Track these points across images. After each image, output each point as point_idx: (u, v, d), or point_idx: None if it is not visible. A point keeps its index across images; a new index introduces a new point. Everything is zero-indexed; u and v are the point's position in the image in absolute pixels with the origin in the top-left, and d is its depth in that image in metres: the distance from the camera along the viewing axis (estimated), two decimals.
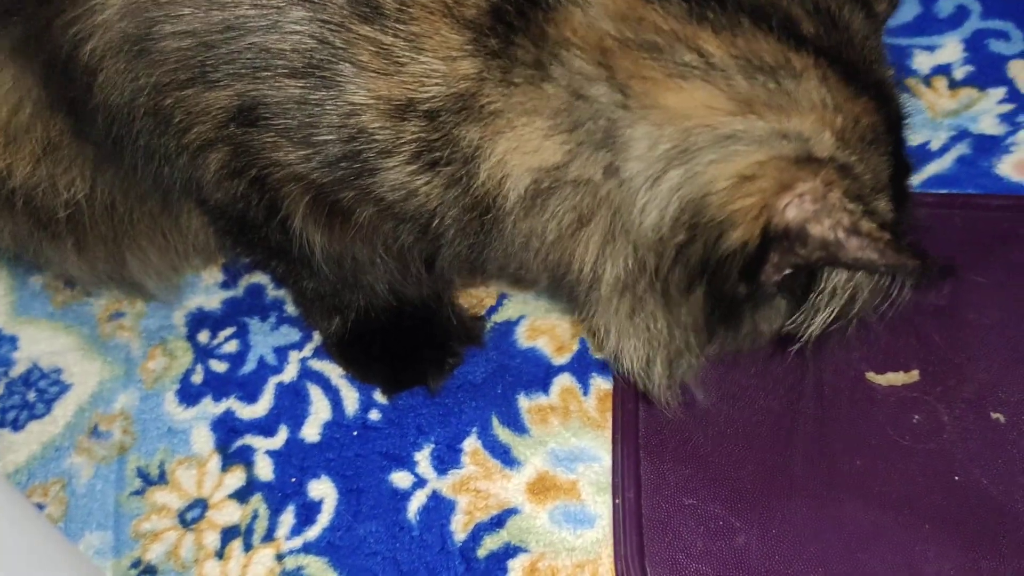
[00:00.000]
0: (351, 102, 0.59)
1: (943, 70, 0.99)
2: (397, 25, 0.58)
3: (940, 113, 0.96)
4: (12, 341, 0.92)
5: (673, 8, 0.56)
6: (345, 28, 0.58)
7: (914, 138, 0.92)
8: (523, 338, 0.86)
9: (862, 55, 0.59)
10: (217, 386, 0.87)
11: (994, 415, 0.74)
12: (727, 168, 0.55)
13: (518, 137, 0.58)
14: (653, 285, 0.60)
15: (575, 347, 0.84)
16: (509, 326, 0.87)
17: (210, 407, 0.85)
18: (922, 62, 1.00)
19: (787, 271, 0.56)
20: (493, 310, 0.88)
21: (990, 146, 0.93)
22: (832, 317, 0.59)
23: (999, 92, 0.96)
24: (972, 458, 0.72)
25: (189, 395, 0.86)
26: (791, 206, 0.53)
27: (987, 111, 0.95)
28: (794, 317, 0.60)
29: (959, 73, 0.99)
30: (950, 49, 1.01)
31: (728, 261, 0.56)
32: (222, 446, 0.83)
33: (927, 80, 0.98)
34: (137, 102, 0.65)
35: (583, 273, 0.62)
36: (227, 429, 0.84)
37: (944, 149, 0.93)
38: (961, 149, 0.93)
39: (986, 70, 0.98)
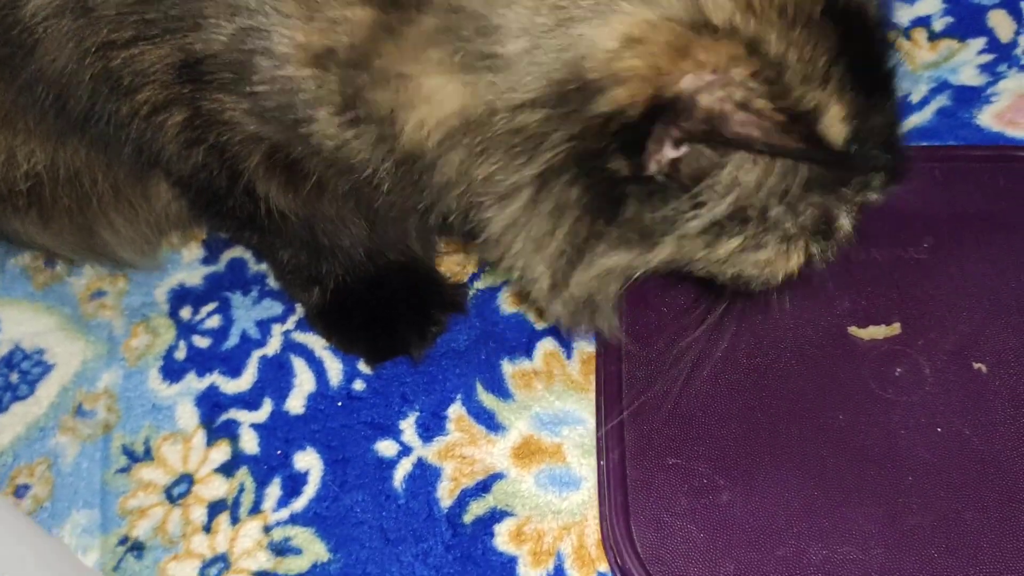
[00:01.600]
0: (278, 51, 0.58)
1: (923, 22, 0.99)
2: None
3: (920, 66, 0.95)
4: None
5: None
6: None
7: None
8: (506, 304, 0.85)
9: None
10: (200, 361, 0.86)
11: (976, 365, 0.74)
12: (611, 27, 0.50)
13: (420, 84, 0.55)
14: (530, 177, 0.55)
15: None
16: (492, 292, 0.86)
17: (194, 383, 0.85)
18: (902, 15, 0.99)
19: (672, 151, 0.51)
20: (475, 277, 0.88)
21: (970, 97, 0.92)
22: (724, 212, 0.54)
23: (979, 42, 0.96)
24: (954, 409, 0.72)
25: (172, 371, 0.86)
26: (690, 76, 0.49)
27: (967, 62, 0.95)
28: (683, 204, 0.54)
29: (938, 25, 0.98)
30: (929, 1, 1.00)
31: (606, 127, 0.51)
32: (207, 421, 0.83)
33: (907, 32, 0.98)
34: (83, 64, 0.64)
35: (481, 187, 0.57)
36: (211, 404, 0.84)
37: (924, 102, 0.93)
38: (941, 101, 0.93)
39: (965, 21, 0.97)
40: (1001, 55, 0.94)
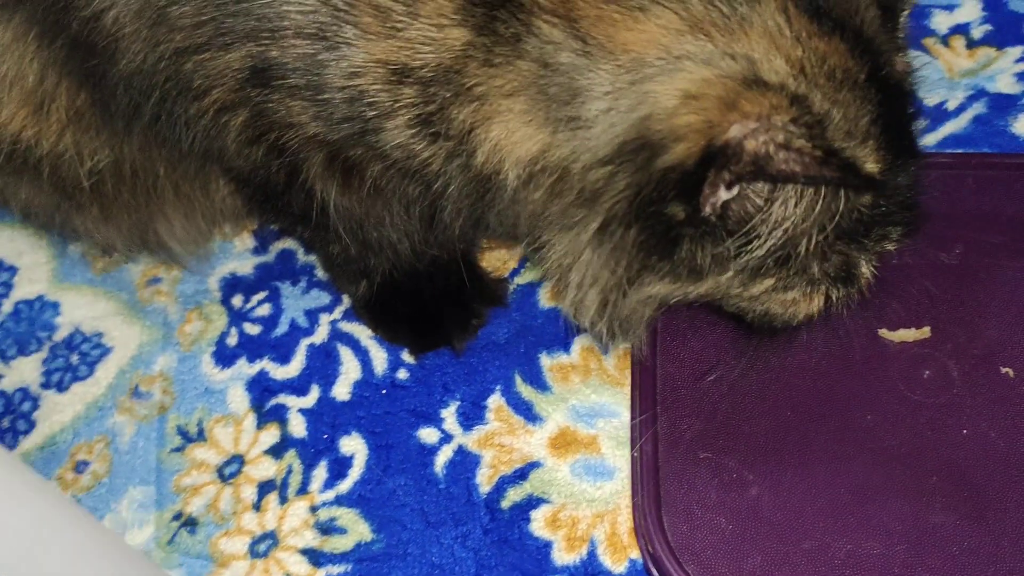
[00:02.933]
0: (352, 63, 0.62)
1: (961, 29, 1.00)
2: None
3: (957, 73, 0.97)
4: (55, 307, 0.96)
5: None
6: None
7: (931, 98, 0.94)
8: (545, 299, 0.88)
9: (842, 5, 0.59)
10: (251, 348, 0.90)
11: (1003, 369, 0.76)
12: (673, 86, 0.55)
13: (505, 124, 0.60)
14: (593, 221, 0.60)
15: None
16: (531, 288, 0.89)
17: (245, 368, 0.89)
18: (940, 21, 1.01)
19: (724, 193, 0.56)
20: (515, 272, 0.90)
21: (1006, 105, 0.94)
22: (770, 250, 0.59)
23: (1016, 51, 0.97)
24: (981, 412, 0.74)
25: (225, 356, 0.90)
26: (736, 124, 0.54)
27: (1004, 70, 0.96)
28: (733, 243, 0.59)
29: (977, 32, 0.99)
30: (968, 8, 1.01)
31: (666, 180, 0.56)
32: (257, 405, 0.87)
33: (945, 40, 0.99)
34: (158, 68, 0.67)
35: (547, 216, 0.63)
36: (261, 389, 0.88)
37: (960, 109, 0.94)
38: (978, 108, 0.94)
39: (1004, 29, 0.99)
40: None
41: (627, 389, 0.81)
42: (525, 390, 0.84)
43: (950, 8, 1.02)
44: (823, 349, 0.78)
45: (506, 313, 0.88)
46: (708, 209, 0.57)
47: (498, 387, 0.84)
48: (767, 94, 0.54)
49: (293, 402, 0.86)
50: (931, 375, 0.76)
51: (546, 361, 0.85)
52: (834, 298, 0.65)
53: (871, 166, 0.57)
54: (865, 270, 0.64)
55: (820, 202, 0.57)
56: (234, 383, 0.88)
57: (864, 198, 0.59)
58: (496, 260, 0.91)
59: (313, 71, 0.63)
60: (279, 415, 0.86)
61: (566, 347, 0.85)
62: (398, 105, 0.62)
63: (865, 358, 0.78)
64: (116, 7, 0.65)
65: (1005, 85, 0.95)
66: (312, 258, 0.94)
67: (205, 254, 0.95)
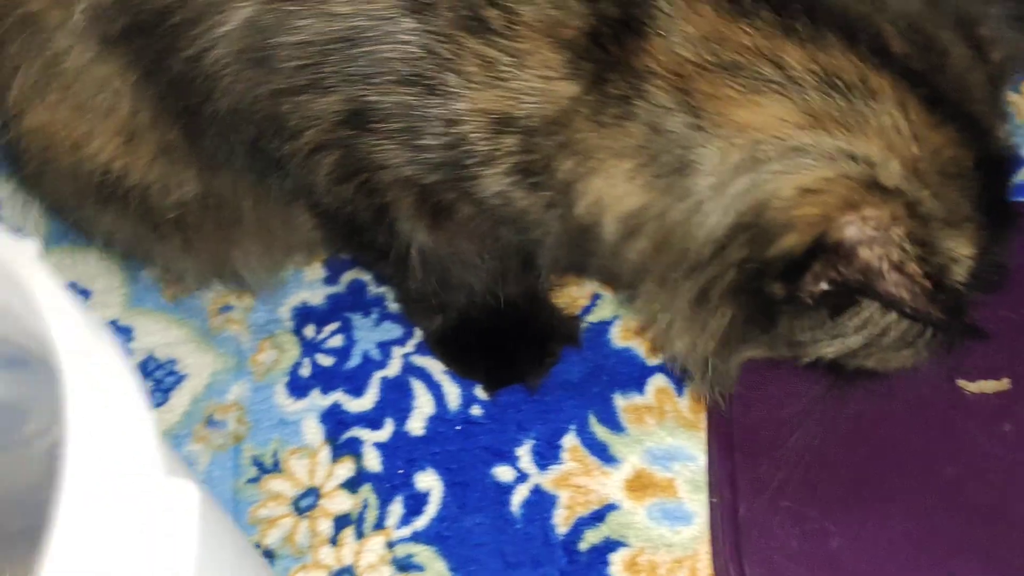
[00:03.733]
0: (453, 111, 0.63)
1: None
2: (502, 40, 0.61)
3: None
4: (127, 332, 0.97)
5: (761, 24, 0.58)
6: (452, 40, 0.61)
7: None
8: (617, 338, 0.89)
9: (955, 85, 0.60)
10: (324, 379, 0.91)
11: None
12: (794, 179, 0.57)
13: (609, 178, 0.62)
14: (693, 288, 0.62)
15: None
16: (603, 326, 0.90)
17: (318, 399, 0.90)
18: None
19: (824, 286, 0.58)
20: (587, 310, 0.91)
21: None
22: (856, 346, 0.63)
23: None
24: None
25: (298, 387, 0.91)
26: (852, 225, 0.55)
27: None
28: (821, 333, 0.63)
29: None
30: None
31: (773, 262, 0.58)
32: (331, 437, 0.88)
33: (1015, 87, 0.99)
34: (255, 108, 0.69)
35: (644, 270, 0.65)
36: (335, 421, 0.88)
37: None
38: None
39: None
40: None
41: (703, 432, 0.82)
42: (600, 430, 0.84)
43: None
44: (901, 398, 0.78)
45: (579, 352, 0.88)
46: (806, 294, 0.59)
47: (572, 427, 0.85)
48: (888, 201, 0.55)
49: (367, 435, 0.87)
50: (1011, 429, 0.76)
51: (620, 401, 0.85)
52: (929, 353, 0.66)
53: (965, 249, 0.58)
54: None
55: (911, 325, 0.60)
56: (308, 414, 0.89)
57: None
58: (567, 298, 0.92)
59: (412, 117, 0.64)
60: (354, 448, 0.87)
61: (640, 387, 0.86)
62: (498, 153, 0.64)
63: (944, 409, 0.78)
64: (218, 47, 0.67)
65: None
66: (383, 290, 0.95)
67: (277, 283, 0.96)
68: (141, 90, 0.73)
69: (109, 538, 0.26)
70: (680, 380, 0.86)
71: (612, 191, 0.62)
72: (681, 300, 0.63)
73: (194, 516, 0.29)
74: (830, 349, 0.64)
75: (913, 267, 0.55)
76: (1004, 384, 0.78)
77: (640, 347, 0.88)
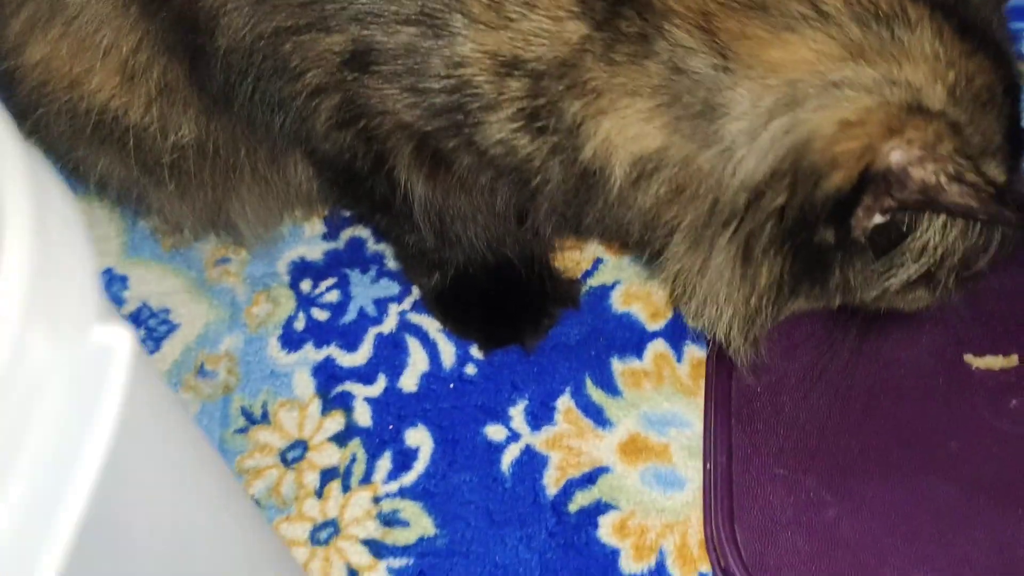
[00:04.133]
0: (458, 53, 0.61)
1: None
2: None
3: None
4: (123, 281, 0.96)
5: None
6: None
7: None
8: (618, 303, 0.87)
9: (979, 14, 0.59)
10: (318, 333, 0.90)
11: None
12: (833, 114, 0.54)
13: (620, 119, 0.59)
14: (732, 243, 0.59)
15: (669, 314, 0.86)
16: (604, 290, 0.88)
17: (311, 353, 0.88)
18: None
19: (878, 218, 0.56)
20: (588, 274, 0.89)
21: None
22: (920, 272, 0.60)
23: None
24: None
25: (291, 340, 0.90)
26: (897, 150, 0.53)
27: None
28: (880, 267, 0.60)
29: None
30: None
31: (820, 206, 0.56)
32: (322, 391, 0.86)
33: None
34: (256, 47, 0.67)
35: (667, 224, 0.62)
36: (327, 375, 0.87)
37: None
38: None
39: None
40: None
41: (701, 399, 0.80)
42: (595, 393, 0.82)
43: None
44: (907, 370, 0.76)
45: (578, 315, 0.87)
46: (858, 232, 0.57)
47: (568, 388, 0.83)
48: (932, 122, 0.53)
49: (359, 390, 0.86)
50: (1017, 404, 0.74)
51: (618, 366, 0.84)
52: (950, 294, 0.65)
53: (1000, 177, 0.56)
54: (981, 264, 0.63)
55: (974, 231, 0.57)
56: (300, 368, 0.88)
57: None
58: (569, 260, 0.90)
59: (416, 58, 0.62)
60: (344, 403, 0.85)
61: (639, 352, 0.84)
62: (503, 98, 0.61)
63: (949, 382, 0.76)
64: None
65: None
66: (382, 247, 0.94)
67: (273, 238, 0.94)
68: (142, 27, 0.72)
69: (23, 373, 0.24)
70: (679, 346, 0.84)
71: (625, 131, 0.59)
72: (721, 259, 0.60)
73: (123, 368, 0.28)
74: (892, 282, 0.61)
75: (972, 175, 0.53)
76: (1012, 360, 0.76)
77: (641, 312, 0.86)
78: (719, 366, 0.79)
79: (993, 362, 0.76)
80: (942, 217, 0.57)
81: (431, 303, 0.89)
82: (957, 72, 0.55)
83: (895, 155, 0.53)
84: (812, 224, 0.57)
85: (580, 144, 0.61)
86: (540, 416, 0.82)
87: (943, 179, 0.53)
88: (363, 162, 0.72)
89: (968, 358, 0.77)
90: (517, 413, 0.82)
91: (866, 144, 0.54)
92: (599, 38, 0.58)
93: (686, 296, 0.64)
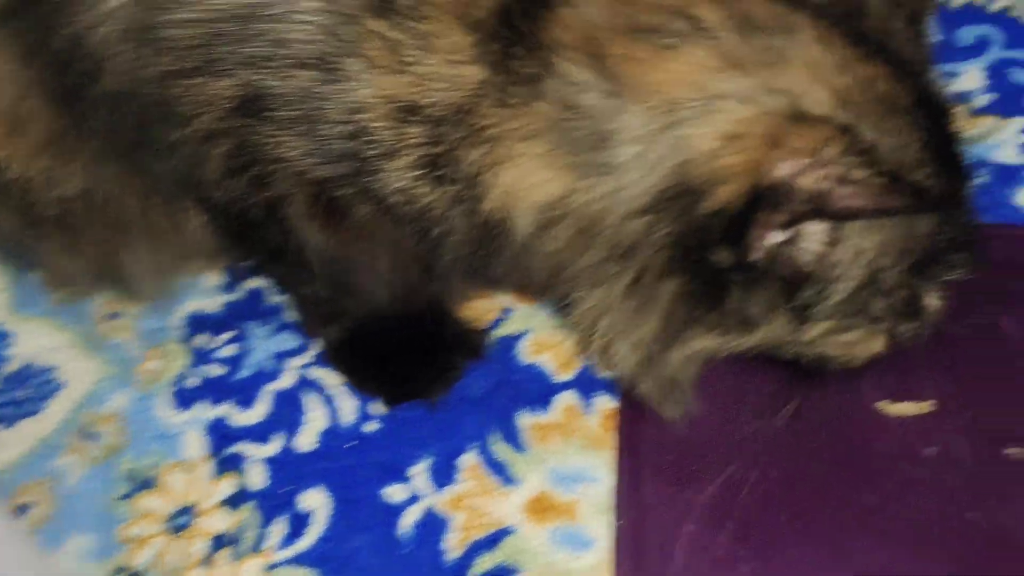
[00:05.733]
0: (356, 98, 0.58)
1: (963, 98, 0.98)
2: (408, 22, 0.56)
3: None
4: (6, 337, 0.91)
5: None
6: (356, 21, 0.57)
7: None
8: (527, 353, 0.84)
9: (879, 27, 0.56)
10: (213, 390, 0.85)
11: (1009, 450, 0.71)
12: (714, 128, 0.52)
13: (519, 167, 0.57)
14: (626, 273, 0.57)
15: (580, 364, 0.82)
16: (513, 340, 0.85)
17: (205, 412, 0.84)
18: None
19: (777, 236, 0.53)
20: (496, 324, 0.86)
21: (1009, 176, 0.91)
22: (853, 288, 0.56)
23: (1019, 121, 0.94)
24: (988, 494, 0.70)
25: (184, 398, 0.85)
26: (783, 162, 0.50)
27: (1007, 140, 0.94)
28: (805, 292, 0.56)
29: (980, 101, 0.97)
30: (971, 77, 0.99)
31: (710, 225, 0.53)
32: (215, 451, 0.81)
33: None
34: (143, 91, 0.63)
35: (569, 272, 0.60)
36: (220, 435, 0.82)
37: None
38: (980, 178, 0.91)
39: (1007, 99, 0.96)
40: None
41: (611, 452, 0.77)
42: (501, 449, 0.79)
43: (952, 76, 0.99)
44: (820, 420, 0.74)
45: (484, 366, 0.83)
46: (758, 253, 0.54)
47: (473, 444, 0.79)
48: (815, 127, 0.50)
49: (254, 450, 0.81)
50: (934, 453, 0.72)
51: (525, 419, 0.80)
52: (899, 335, 0.61)
53: (935, 188, 0.53)
54: (932, 302, 0.61)
55: (886, 238, 0.54)
56: (192, 427, 0.83)
57: (929, 225, 0.56)
58: (476, 310, 0.87)
59: (311, 104, 0.59)
60: (237, 463, 0.80)
61: (546, 404, 0.81)
62: (402, 145, 0.59)
63: (865, 431, 0.74)
64: (103, 25, 0.61)
65: (1008, 155, 0.93)
66: (284, 299, 0.90)
67: (170, 291, 0.90)
68: (25, 74, 0.68)
69: None
70: (589, 398, 0.80)
71: (524, 180, 0.57)
72: (620, 292, 0.57)
73: None
74: (787, 320, 0.58)
75: (859, 172, 0.49)
76: (926, 406, 0.74)
77: (550, 362, 0.83)
78: (631, 416, 0.76)
79: (907, 408, 0.74)
80: (848, 229, 0.54)
81: (332, 356, 0.85)
82: (850, 76, 0.53)
83: (781, 167, 0.50)
84: (706, 244, 0.54)
85: (481, 194, 0.58)
86: (443, 474, 0.78)
87: (829, 184, 0.50)
88: (256, 210, 0.68)
89: (881, 405, 0.75)
90: (419, 471, 0.78)
91: (750, 158, 0.51)
92: (495, 82, 0.56)
93: (592, 338, 0.61)
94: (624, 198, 0.55)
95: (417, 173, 0.59)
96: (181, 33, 0.60)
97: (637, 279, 0.57)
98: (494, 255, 0.62)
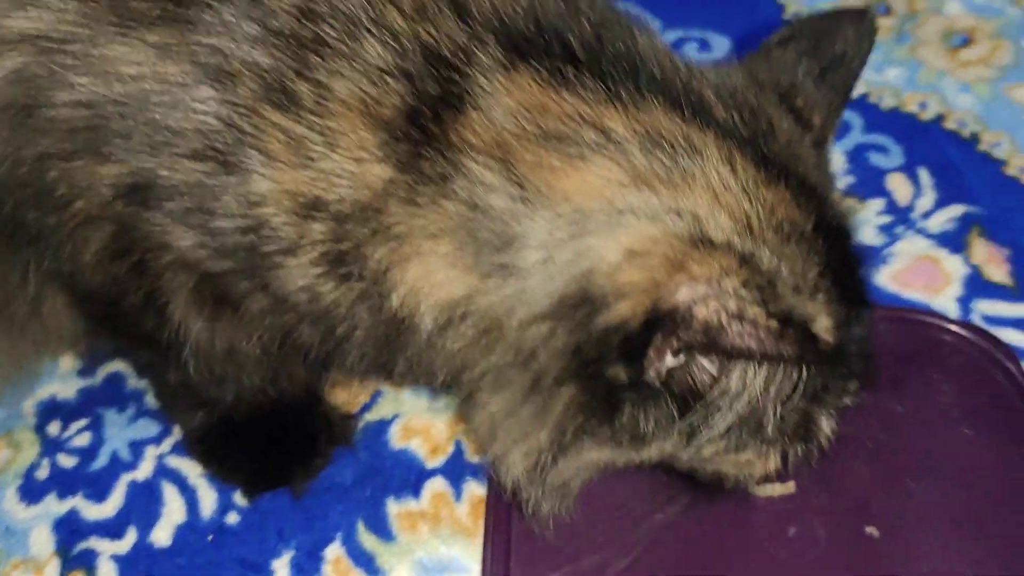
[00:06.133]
0: (255, 191, 0.56)
1: None
2: (312, 117, 0.55)
3: None
4: None
5: (585, 92, 0.55)
6: (256, 113, 0.55)
7: None
8: (396, 438, 0.82)
9: (786, 151, 0.57)
10: (63, 482, 0.81)
11: (868, 529, 0.72)
12: (618, 241, 0.52)
13: (425, 265, 0.56)
14: (525, 378, 0.56)
15: (450, 449, 0.81)
16: (382, 425, 0.83)
17: (54, 506, 0.79)
18: None
19: (671, 360, 0.53)
20: (366, 408, 0.84)
21: (869, 257, 0.94)
22: (742, 414, 0.56)
23: (878, 203, 0.98)
24: (847, 573, 0.70)
25: (32, 492, 0.80)
26: (684, 287, 0.50)
27: (867, 222, 0.97)
28: (678, 411, 0.55)
29: (840, 183, 1.00)
30: (833, 160, 1.02)
31: (608, 338, 0.53)
32: (63, 549, 0.77)
33: None
34: (16, 172, 0.60)
35: (472, 373, 0.59)
36: (70, 530, 0.78)
37: None
38: None
39: (866, 182, 1.00)
40: (898, 217, 0.97)
41: (479, 540, 0.75)
42: (368, 540, 0.76)
43: None
44: (687, 503, 0.74)
45: (353, 453, 0.81)
46: (652, 374, 0.53)
47: (338, 535, 0.76)
48: (715, 254, 0.51)
49: (105, 546, 0.77)
50: (796, 532, 0.72)
51: (393, 507, 0.78)
52: (791, 456, 0.61)
53: (824, 321, 0.53)
54: (824, 426, 0.61)
55: (777, 374, 0.54)
56: (39, 523, 0.78)
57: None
58: (346, 394, 0.85)
59: (204, 195, 0.57)
60: (87, 561, 0.76)
61: (416, 492, 0.79)
62: (305, 241, 0.57)
63: (728, 511, 0.73)
64: None
65: (868, 237, 0.96)
66: (144, 384, 0.86)
67: (26, 379, 0.85)
68: None
69: None
70: (459, 484, 0.79)
71: (429, 278, 0.56)
72: (518, 397, 0.56)
73: None
74: (679, 438, 0.57)
75: (754, 310, 0.49)
76: (790, 487, 0.75)
77: (420, 448, 0.81)
78: (498, 503, 0.75)
79: (772, 490, 0.75)
80: (740, 363, 0.53)
81: (192, 444, 0.81)
82: (752, 202, 0.53)
83: (682, 292, 0.50)
84: (602, 358, 0.53)
85: (387, 291, 0.57)
86: (306, 568, 0.75)
87: (724, 318, 0.49)
88: (133, 297, 0.65)
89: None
90: (281, 566, 0.75)
91: (651, 277, 0.51)
92: (402, 180, 0.55)
93: (489, 441, 0.60)
94: (526, 301, 0.54)
95: (321, 270, 0.58)
96: (65, 114, 0.57)
97: (534, 385, 0.56)
98: (399, 351, 0.61)
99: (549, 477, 0.60)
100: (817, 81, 0.64)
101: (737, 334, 0.50)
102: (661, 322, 0.51)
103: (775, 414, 0.57)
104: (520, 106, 0.55)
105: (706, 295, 0.50)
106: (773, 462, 0.61)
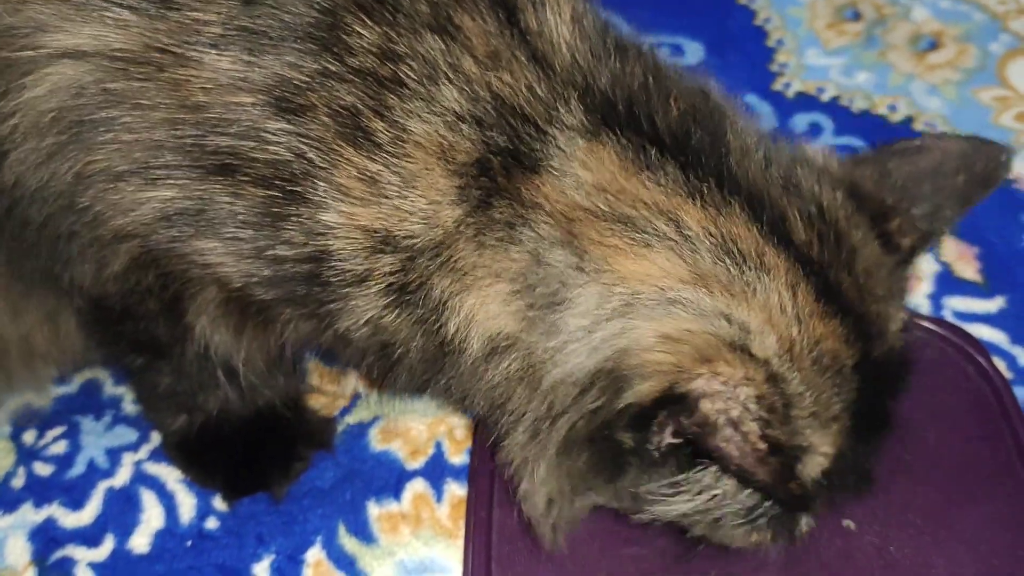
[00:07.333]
0: (320, 221, 0.57)
1: None
2: (389, 157, 0.56)
3: None
4: None
5: (665, 180, 0.56)
6: (329, 148, 0.56)
7: None
8: (376, 441, 0.82)
9: (856, 283, 0.58)
10: (39, 491, 0.80)
11: (845, 522, 0.73)
12: (659, 326, 0.54)
13: (483, 298, 0.58)
14: (553, 436, 0.59)
15: (430, 451, 0.81)
16: (362, 428, 0.83)
17: (30, 514, 0.78)
18: None
19: (669, 437, 0.55)
20: (346, 411, 0.84)
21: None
22: (690, 511, 0.58)
23: None
24: (824, 566, 0.71)
25: (7, 501, 0.79)
26: (702, 378, 0.52)
27: None
28: (661, 490, 0.58)
29: None
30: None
31: (626, 411, 0.55)
32: (39, 558, 0.76)
33: None
34: (51, 185, 0.60)
35: (513, 412, 0.61)
36: (47, 539, 0.77)
37: None
38: None
39: None
40: None
41: (461, 541, 0.75)
42: (349, 542, 0.76)
43: None
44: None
45: (333, 456, 0.81)
46: (653, 445, 0.55)
47: (319, 539, 0.76)
48: (748, 363, 0.52)
49: (82, 554, 0.76)
50: None
51: (374, 510, 0.78)
52: (773, 538, 0.62)
53: (826, 449, 0.55)
54: (804, 524, 0.62)
55: (743, 491, 0.57)
56: (15, 531, 0.77)
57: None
58: (325, 397, 0.85)
59: (266, 225, 0.57)
60: (64, 569, 0.75)
61: (397, 494, 0.79)
62: (374, 272, 0.58)
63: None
64: (17, 116, 0.58)
65: None
66: (120, 390, 0.86)
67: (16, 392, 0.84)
68: None
69: None
70: (439, 486, 0.79)
71: (485, 309, 0.58)
72: (544, 445, 0.59)
73: None
74: (667, 509, 0.59)
75: (750, 426, 0.51)
76: None
77: (401, 450, 0.81)
78: (479, 505, 0.75)
79: None
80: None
81: (172, 449, 0.81)
82: (802, 330, 0.54)
83: (698, 382, 0.52)
84: (616, 424, 0.56)
85: (445, 319, 0.59)
86: (287, 572, 0.74)
87: (721, 419, 0.51)
88: (151, 303, 0.66)
89: None
90: (262, 570, 0.75)
91: (677, 362, 0.53)
92: (472, 222, 0.57)
93: (519, 476, 0.62)
94: (562, 362, 0.57)
95: (385, 301, 0.59)
96: (122, 137, 0.56)
97: (561, 444, 0.58)
98: (442, 373, 0.62)
99: (563, 514, 0.62)
100: (927, 201, 0.63)
101: (723, 439, 0.51)
102: (671, 402, 0.53)
103: (734, 516, 0.59)
104: (596, 182, 0.56)
105: (716, 392, 0.52)
106: (755, 539, 0.61)
